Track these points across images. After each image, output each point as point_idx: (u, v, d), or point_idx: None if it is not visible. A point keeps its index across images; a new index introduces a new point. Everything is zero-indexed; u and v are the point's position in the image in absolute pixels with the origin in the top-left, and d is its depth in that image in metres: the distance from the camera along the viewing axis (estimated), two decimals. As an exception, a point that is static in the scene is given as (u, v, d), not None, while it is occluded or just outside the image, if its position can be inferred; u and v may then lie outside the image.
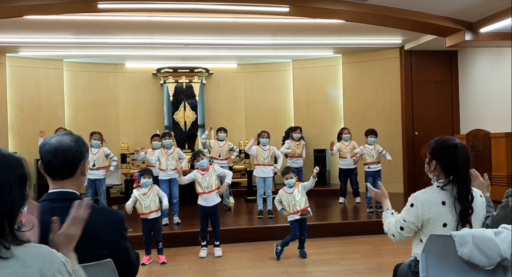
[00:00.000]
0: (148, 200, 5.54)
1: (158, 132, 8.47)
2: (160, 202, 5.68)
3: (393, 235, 2.72)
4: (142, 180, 5.58)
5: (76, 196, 1.96)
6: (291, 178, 5.66)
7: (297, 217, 5.58)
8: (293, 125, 10.37)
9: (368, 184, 3.39)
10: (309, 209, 5.64)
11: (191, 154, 6.88)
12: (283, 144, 9.88)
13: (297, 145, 8.33)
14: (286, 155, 8.86)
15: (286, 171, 5.79)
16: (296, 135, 8.33)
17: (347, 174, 8.43)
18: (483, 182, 2.84)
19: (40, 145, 1.96)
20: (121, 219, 2.03)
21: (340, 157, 8.40)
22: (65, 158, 1.91)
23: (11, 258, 1.29)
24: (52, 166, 1.92)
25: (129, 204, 5.52)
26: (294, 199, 5.58)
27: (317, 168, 5.81)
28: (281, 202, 5.66)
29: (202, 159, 5.90)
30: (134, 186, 5.80)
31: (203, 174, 5.88)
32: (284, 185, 5.73)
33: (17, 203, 1.36)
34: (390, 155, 7.78)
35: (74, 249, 1.68)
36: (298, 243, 5.74)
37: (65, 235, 1.65)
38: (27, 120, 9.60)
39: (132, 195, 5.63)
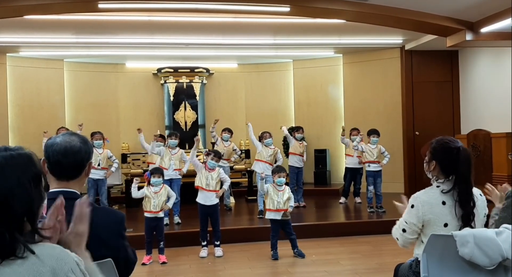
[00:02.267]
0: (157, 199, 5.55)
1: (159, 132, 8.45)
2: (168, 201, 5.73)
3: (397, 239, 2.70)
4: (152, 179, 5.60)
5: (77, 196, 1.96)
6: (283, 177, 5.68)
7: (278, 217, 5.62)
8: (293, 125, 10.37)
9: (396, 203, 2.90)
10: (288, 212, 5.69)
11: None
12: (283, 143, 9.92)
13: (300, 144, 8.33)
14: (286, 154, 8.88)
15: (280, 169, 5.81)
16: (298, 135, 8.33)
17: (353, 173, 8.41)
18: (497, 194, 2.83)
19: (47, 144, 1.96)
20: (121, 220, 2.03)
21: (346, 154, 8.42)
22: (75, 159, 1.92)
23: (25, 258, 1.30)
24: (61, 166, 1.92)
25: (136, 191, 5.53)
26: (282, 197, 5.61)
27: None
28: (265, 193, 5.73)
29: (218, 161, 5.95)
30: (145, 184, 5.79)
31: (209, 172, 5.91)
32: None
33: (35, 202, 1.36)
34: (387, 159, 7.72)
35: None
36: (290, 244, 5.74)
37: (74, 233, 1.65)
38: (28, 120, 9.59)
39: (142, 190, 5.64)
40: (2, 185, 1.31)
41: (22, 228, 1.32)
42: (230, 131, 8.30)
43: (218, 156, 6.00)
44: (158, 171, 5.76)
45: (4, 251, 1.28)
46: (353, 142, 8.09)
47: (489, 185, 2.86)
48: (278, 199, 5.61)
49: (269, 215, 5.68)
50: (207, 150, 6.20)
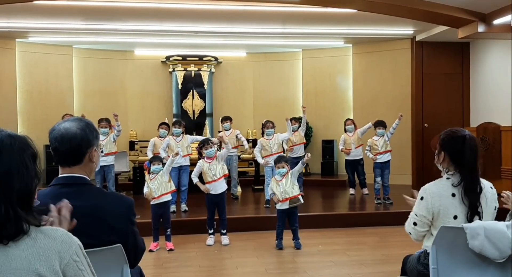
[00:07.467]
0: (156, 183, 5.59)
1: (166, 121, 8.45)
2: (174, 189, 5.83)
3: (410, 233, 2.69)
4: (152, 167, 5.63)
5: (85, 181, 1.95)
6: (283, 167, 5.65)
7: (285, 206, 5.59)
8: (301, 116, 10.32)
9: (406, 197, 2.89)
10: (300, 196, 5.64)
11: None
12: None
13: (293, 134, 8.23)
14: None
15: (279, 159, 5.77)
16: (293, 126, 8.23)
17: (353, 165, 8.39)
18: None
19: (49, 130, 1.95)
20: (130, 205, 2.02)
21: (345, 148, 8.39)
22: (71, 146, 1.91)
23: (30, 240, 1.32)
24: (58, 153, 1.92)
25: (146, 191, 5.62)
26: (283, 186, 5.58)
27: (309, 154, 5.72)
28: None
29: (211, 147, 5.92)
30: (146, 173, 5.84)
31: (209, 162, 5.88)
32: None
33: (34, 181, 1.38)
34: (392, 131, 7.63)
35: (85, 234, 1.69)
36: (292, 233, 5.73)
37: None
38: (36, 106, 9.62)
39: (146, 182, 5.73)
40: (7, 163, 1.33)
41: (24, 207, 1.33)
42: (228, 119, 8.20)
43: (207, 142, 5.95)
44: (157, 159, 5.80)
45: (11, 230, 1.29)
46: (350, 132, 8.07)
47: (505, 192, 2.82)
48: (281, 189, 5.59)
49: (278, 206, 5.67)
50: (198, 147, 6.08)
